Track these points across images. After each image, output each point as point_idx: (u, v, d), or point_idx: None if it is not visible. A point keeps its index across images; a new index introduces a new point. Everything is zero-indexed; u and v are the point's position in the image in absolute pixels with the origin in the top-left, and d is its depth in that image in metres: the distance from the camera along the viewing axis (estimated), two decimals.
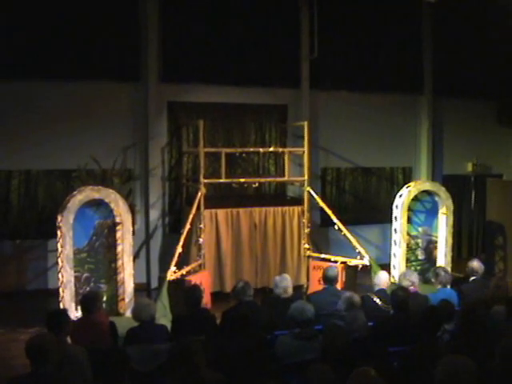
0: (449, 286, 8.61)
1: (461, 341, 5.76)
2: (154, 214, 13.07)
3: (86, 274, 9.89)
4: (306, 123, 12.39)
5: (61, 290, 9.49)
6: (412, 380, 5.27)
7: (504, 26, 13.38)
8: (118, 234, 10.00)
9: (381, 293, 8.19)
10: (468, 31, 14.63)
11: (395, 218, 11.59)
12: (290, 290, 8.05)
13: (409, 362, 5.52)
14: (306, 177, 12.33)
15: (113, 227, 10.04)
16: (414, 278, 8.49)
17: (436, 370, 4.43)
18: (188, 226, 11.02)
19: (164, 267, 11.23)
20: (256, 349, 5.23)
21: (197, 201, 11.32)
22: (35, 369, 4.96)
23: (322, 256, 11.98)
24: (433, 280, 8.77)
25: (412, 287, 8.22)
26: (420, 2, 13.88)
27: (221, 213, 11.75)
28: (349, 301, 7.07)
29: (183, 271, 10.48)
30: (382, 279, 8.47)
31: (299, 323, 6.30)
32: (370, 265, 11.16)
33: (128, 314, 9.56)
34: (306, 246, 12.24)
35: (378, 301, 7.98)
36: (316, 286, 10.87)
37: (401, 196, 11.61)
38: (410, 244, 11.73)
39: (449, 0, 12.26)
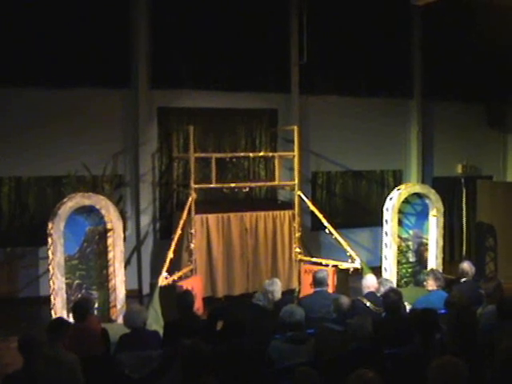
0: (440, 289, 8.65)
1: (451, 342, 5.78)
2: (145, 220, 13.05)
3: (77, 281, 9.88)
4: (296, 127, 12.43)
5: (52, 297, 9.48)
6: (405, 382, 5.29)
7: (492, 29, 13.45)
8: (109, 241, 10.00)
9: (370, 296, 8.21)
10: (457, 35, 14.70)
11: (386, 220, 11.62)
12: (278, 295, 8.05)
13: (402, 364, 5.53)
14: (296, 181, 12.36)
15: (104, 234, 10.04)
16: (389, 283, 8.62)
17: (428, 372, 4.46)
18: (179, 232, 11.04)
19: (155, 273, 11.23)
20: (248, 353, 5.24)
21: (187, 206, 11.33)
22: (27, 365, 4.98)
23: (314, 260, 12.02)
24: (429, 282, 8.79)
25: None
26: (409, 7, 13.95)
27: (212, 218, 11.75)
28: (335, 303, 7.08)
29: (175, 277, 10.47)
30: (369, 282, 8.50)
31: (289, 326, 6.31)
32: (362, 268, 11.17)
33: (120, 320, 9.53)
34: (297, 249, 12.25)
35: (368, 304, 8.00)
36: (308, 289, 10.90)
37: (391, 199, 11.64)
38: (400, 246, 11.75)
39: (437, 4, 12.31)
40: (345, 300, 7.17)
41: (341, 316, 6.99)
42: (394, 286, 8.76)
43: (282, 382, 5.87)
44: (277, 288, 8.03)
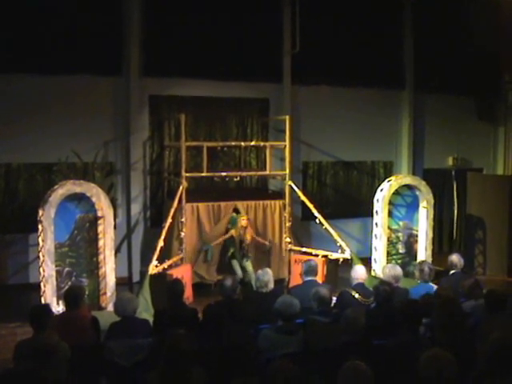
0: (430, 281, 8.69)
1: (438, 333, 5.82)
2: (136, 208, 13.05)
3: (67, 269, 9.90)
4: (287, 117, 12.42)
5: (42, 284, 9.50)
6: (395, 373, 5.32)
7: (484, 22, 13.50)
8: (100, 228, 10.02)
9: (359, 287, 8.21)
10: (449, 27, 14.71)
11: (376, 211, 11.68)
12: (271, 285, 8.07)
13: (391, 356, 5.56)
14: (287, 171, 12.37)
15: (94, 221, 10.06)
16: (399, 272, 8.52)
17: (418, 364, 4.49)
18: (169, 220, 11.06)
19: (146, 261, 11.26)
20: (238, 343, 5.24)
21: (178, 195, 11.34)
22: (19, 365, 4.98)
23: (304, 250, 12.04)
24: (416, 274, 8.83)
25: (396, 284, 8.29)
26: None
27: (202, 207, 11.76)
28: (316, 296, 7.05)
29: (165, 265, 10.52)
30: (358, 273, 8.46)
31: (285, 317, 6.32)
32: (351, 258, 11.23)
33: (110, 308, 9.58)
34: (288, 239, 12.28)
35: (356, 295, 8.01)
36: (297, 279, 10.93)
37: (382, 190, 11.69)
38: (390, 238, 11.82)
39: None
40: (325, 291, 7.11)
41: (325, 307, 7.01)
42: (401, 274, 8.66)
43: None
44: (270, 278, 8.04)
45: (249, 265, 11.58)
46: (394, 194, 11.72)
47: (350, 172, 15.27)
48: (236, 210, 11.93)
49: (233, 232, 11.62)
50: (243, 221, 11.60)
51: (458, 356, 4.62)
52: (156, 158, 13.33)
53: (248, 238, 11.71)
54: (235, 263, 11.61)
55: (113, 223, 10.26)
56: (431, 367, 4.41)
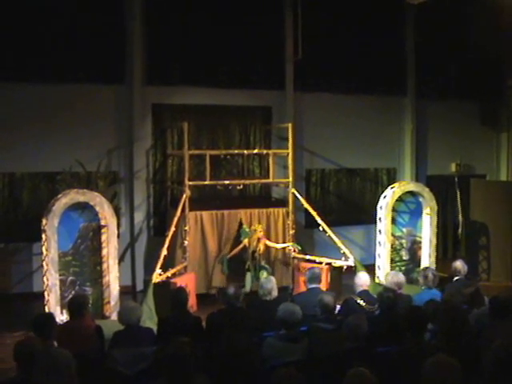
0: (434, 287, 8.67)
1: (443, 340, 5.81)
2: (139, 217, 13.05)
3: (71, 278, 9.89)
4: (290, 125, 12.44)
5: (46, 293, 9.48)
6: (399, 380, 5.31)
7: (487, 28, 13.50)
8: (103, 237, 10.01)
9: (363, 294, 8.20)
10: (451, 33, 14.72)
11: (379, 218, 11.66)
12: (275, 293, 8.05)
13: (396, 363, 5.55)
14: (290, 178, 12.38)
15: (98, 230, 10.05)
16: (401, 279, 8.51)
17: (422, 371, 4.47)
18: (173, 229, 11.05)
19: (149, 270, 11.23)
20: (242, 352, 5.22)
21: (182, 203, 11.34)
22: (21, 373, 4.96)
23: (307, 257, 12.01)
24: (420, 281, 8.80)
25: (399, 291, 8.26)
26: (403, 5, 13.95)
27: (206, 215, 11.76)
28: (321, 303, 7.05)
29: (168, 274, 10.51)
30: (362, 280, 8.43)
31: (288, 325, 6.30)
32: (355, 266, 11.20)
33: (113, 317, 9.55)
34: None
35: (361, 302, 8.00)
36: (301, 287, 10.93)
37: (385, 197, 11.68)
38: (394, 245, 11.79)
39: (432, 2, 12.32)
40: (329, 298, 7.12)
41: (329, 314, 7.01)
42: (404, 280, 8.64)
43: None
44: (274, 286, 8.02)
45: (262, 274, 11.51)
46: (397, 200, 11.70)
47: (353, 179, 15.27)
48: (240, 222, 11.91)
49: (245, 242, 11.58)
50: (260, 233, 11.57)
51: (463, 362, 4.60)
52: (159, 167, 13.34)
53: (261, 248, 11.67)
54: (248, 276, 11.56)
55: (116, 232, 10.26)
56: (435, 373, 4.39)
